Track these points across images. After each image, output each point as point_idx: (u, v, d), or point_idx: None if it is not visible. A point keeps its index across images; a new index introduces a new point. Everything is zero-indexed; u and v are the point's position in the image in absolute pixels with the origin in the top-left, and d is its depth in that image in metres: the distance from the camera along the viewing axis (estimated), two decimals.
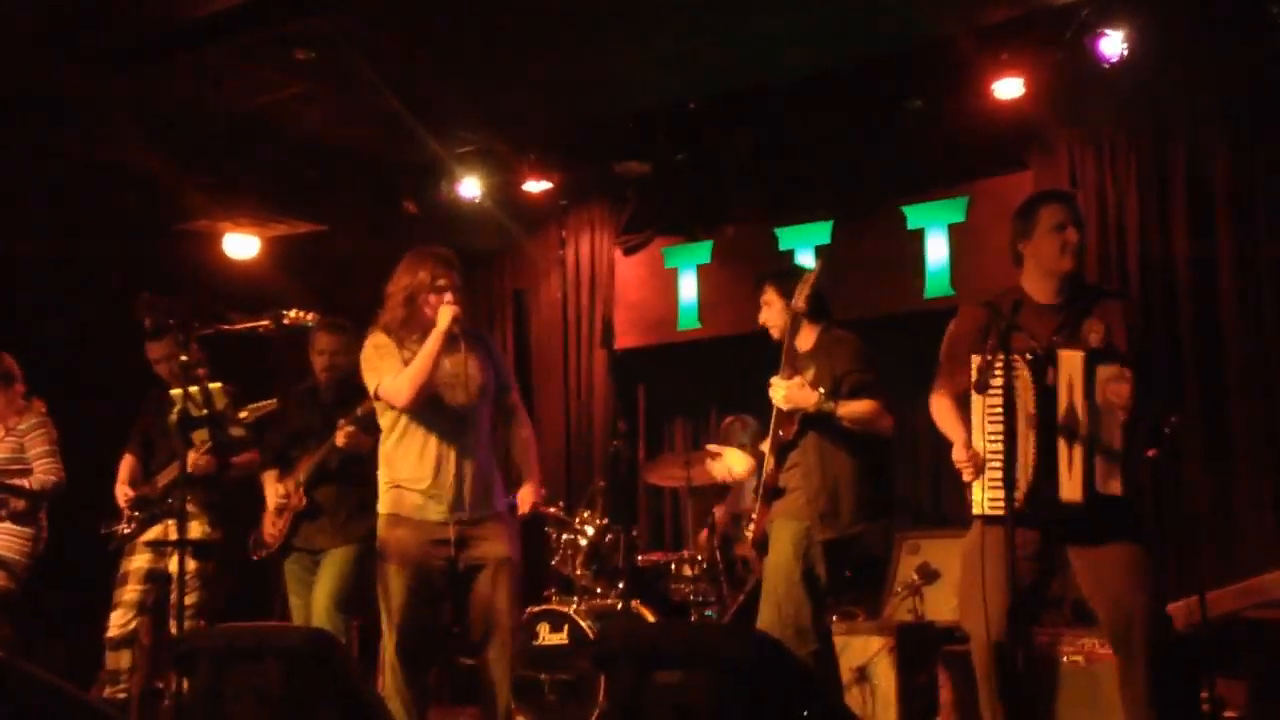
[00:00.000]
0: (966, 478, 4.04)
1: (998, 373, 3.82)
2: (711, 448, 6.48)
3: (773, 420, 5.01)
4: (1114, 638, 4.03)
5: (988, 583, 3.92)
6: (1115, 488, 3.86)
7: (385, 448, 4.85)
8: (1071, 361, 3.92)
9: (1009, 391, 3.81)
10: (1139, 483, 4.03)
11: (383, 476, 4.86)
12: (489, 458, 4.84)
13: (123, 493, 6.20)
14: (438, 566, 4.72)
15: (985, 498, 3.97)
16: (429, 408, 4.74)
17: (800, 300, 4.94)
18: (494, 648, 4.76)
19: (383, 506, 4.84)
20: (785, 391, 4.88)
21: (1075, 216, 4.16)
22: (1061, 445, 3.89)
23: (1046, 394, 3.92)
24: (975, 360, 3.94)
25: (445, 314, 4.67)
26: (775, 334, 5.09)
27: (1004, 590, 3.84)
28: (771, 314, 5.10)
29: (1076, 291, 4.16)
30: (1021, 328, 3.97)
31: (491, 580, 4.73)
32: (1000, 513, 3.82)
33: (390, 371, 4.73)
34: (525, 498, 4.92)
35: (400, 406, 4.73)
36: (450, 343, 4.70)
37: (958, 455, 4.07)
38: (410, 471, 4.77)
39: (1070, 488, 3.88)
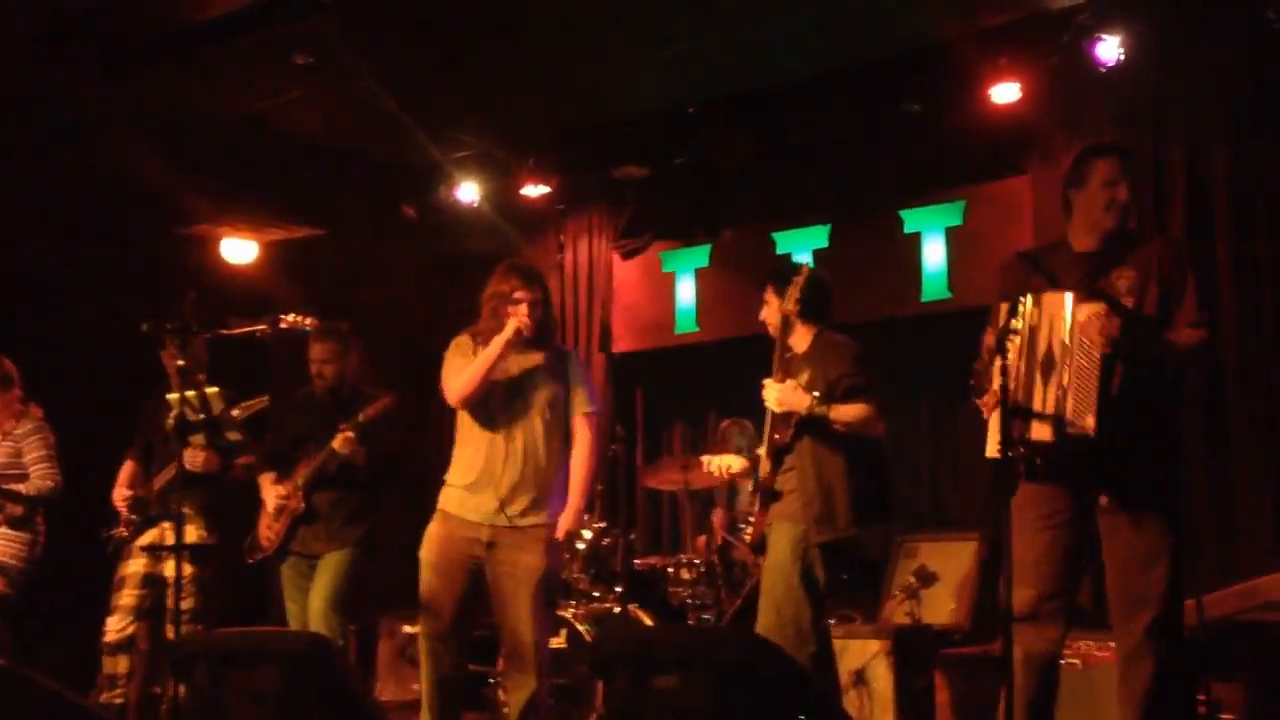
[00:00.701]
0: (985, 416, 4.05)
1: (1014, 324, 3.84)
2: (703, 459, 6.49)
3: (767, 423, 5.01)
4: (1117, 625, 4.01)
5: (1017, 542, 3.89)
6: (1088, 425, 3.79)
7: (455, 445, 5.05)
8: (1053, 303, 3.90)
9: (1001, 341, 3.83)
10: (1152, 437, 3.93)
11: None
12: (545, 469, 4.90)
13: (120, 495, 6.20)
14: (469, 567, 4.84)
15: (991, 440, 3.95)
16: (487, 411, 4.91)
17: (790, 302, 4.94)
18: (514, 673, 4.84)
19: (439, 501, 5.00)
20: (778, 394, 4.89)
21: (1124, 173, 4.10)
22: (1038, 386, 3.87)
23: (1032, 336, 3.91)
24: (1001, 311, 3.93)
25: (510, 325, 4.85)
26: (772, 332, 5.10)
27: (1032, 547, 3.88)
28: (769, 312, 5.12)
29: (1117, 239, 4.11)
30: (1054, 275, 3.99)
31: (514, 591, 4.79)
32: (997, 455, 3.85)
33: (454, 371, 4.93)
34: (561, 522, 4.90)
35: (451, 404, 4.96)
36: (519, 352, 4.91)
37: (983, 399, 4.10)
38: (462, 470, 4.94)
39: (1040, 428, 3.86)
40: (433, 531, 4.93)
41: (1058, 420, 3.82)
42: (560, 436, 4.96)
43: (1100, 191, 4.09)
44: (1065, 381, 3.83)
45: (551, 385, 4.95)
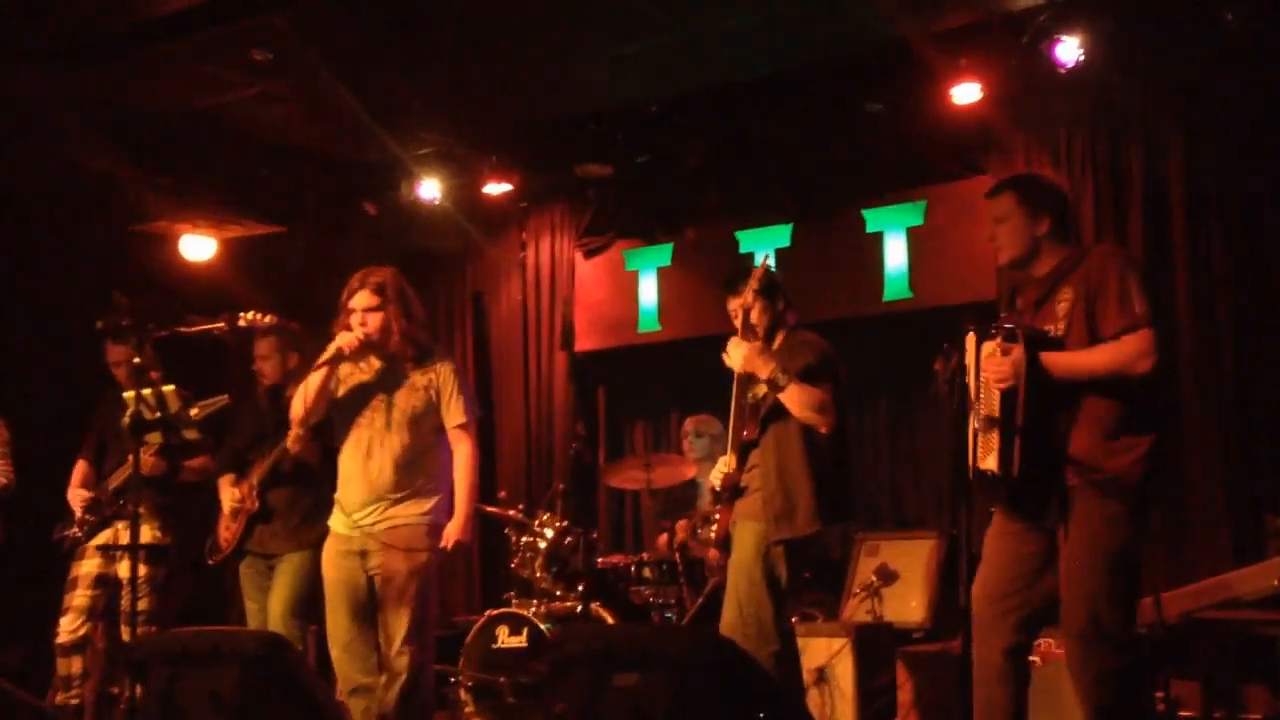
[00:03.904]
0: None
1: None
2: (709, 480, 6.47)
3: (732, 419, 5.00)
4: (1064, 632, 4.04)
5: (980, 564, 3.99)
6: (991, 463, 3.83)
7: None
8: (969, 342, 3.95)
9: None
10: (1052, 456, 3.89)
11: None
12: (406, 480, 4.88)
13: (75, 495, 6.14)
14: (353, 579, 4.89)
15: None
16: (351, 426, 4.95)
17: (748, 295, 4.93)
18: (386, 674, 4.82)
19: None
20: (744, 352, 4.85)
21: (995, 212, 4.16)
22: (969, 425, 3.92)
23: (957, 379, 3.95)
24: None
25: (333, 344, 4.87)
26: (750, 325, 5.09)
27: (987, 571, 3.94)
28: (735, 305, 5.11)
29: (1061, 262, 4.10)
30: (1013, 303, 4.10)
31: (383, 596, 4.84)
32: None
33: (298, 392, 5.01)
34: (448, 532, 4.92)
35: (295, 424, 5.05)
36: (389, 364, 4.94)
37: None
38: (339, 484, 4.99)
39: (979, 464, 3.91)
40: (325, 548, 5.01)
41: (971, 461, 3.89)
42: (427, 448, 4.95)
43: (990, 228, 4.19)
44: (977, 422, 3.89)
45: (414, 398, 4.94)
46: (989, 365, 3.87)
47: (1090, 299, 3.92)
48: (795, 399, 4.79)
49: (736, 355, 4.87)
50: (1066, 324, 3.95)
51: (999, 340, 3.87)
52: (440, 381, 4.97)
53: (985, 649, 3.95)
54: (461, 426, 4.98)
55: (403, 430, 4.90)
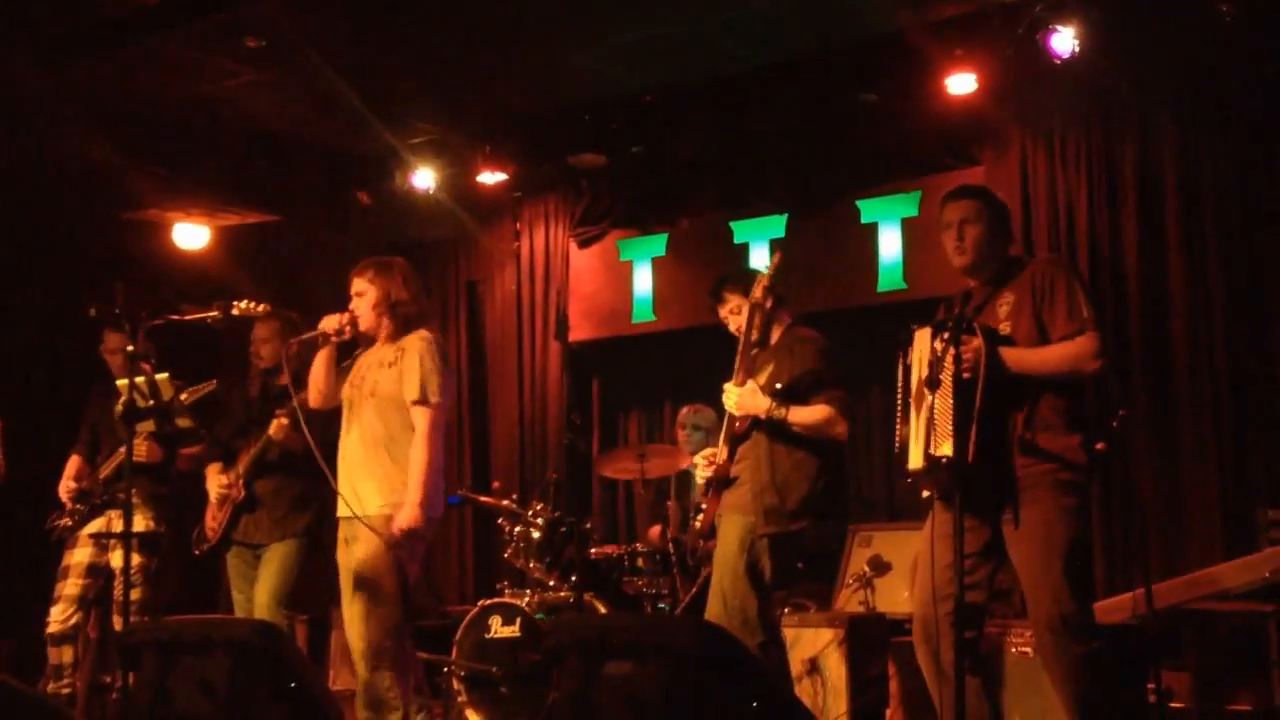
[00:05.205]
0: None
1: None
2: (695, 459, 6.45)
3: (727, 410, 5.01)
4: (1032, 624, 4.09)
5: (921, 559, 4.12)
6: (946, 449, 3.90)
7: None
8: (921, 337, 4.07)
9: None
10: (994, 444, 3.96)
11: None
12: (381, 462, 4.72)
13: (66, 487, 6.12)
14: (347, 564, 4.76)
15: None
16: (345, 409, 4.88)
17: (757, 291, 4.93)
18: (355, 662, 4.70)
19: None
20: (737, 398, 4.91)
21: (964, 214, 4.21)
22: (913, 417, 4.05)
23: (906, 372, 4.11)
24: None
25: (321, 324, 4.87)
26: (735, 331, 5.08)
27: (929, 566, 4.06)
28: (730, 311, 5.11)
29: (1001, 269, 4.21)
30: (950, 310, 4.15)
31: (350, 586, 4.67)
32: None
33: None
34: (396, 519, 4.63)
35: (312, 404, 5.00)
36: (375, 346, 4.89)
37: None
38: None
39: (915, 455, 4.02)
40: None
41: (925, 448, 3.97)
42: (402, 432, 4.73)
43: (945, 235, 4.24)
44: (929, 412, 3.97)
45: (383, 375, 4.78)
46: (947, 357, 3.93)
47: (1037, 303, 4.05)
48: (802, 424, 4.82)
49: (731, 400, 4.92)
50: (1011, 325, 4.08)
51: (962, 335, 3.94)
52: (405, 356, 4.77)
53: (938, 649, 4.02)
54: (417, 403, 4.69)
55: (370, 407, 4.75)
